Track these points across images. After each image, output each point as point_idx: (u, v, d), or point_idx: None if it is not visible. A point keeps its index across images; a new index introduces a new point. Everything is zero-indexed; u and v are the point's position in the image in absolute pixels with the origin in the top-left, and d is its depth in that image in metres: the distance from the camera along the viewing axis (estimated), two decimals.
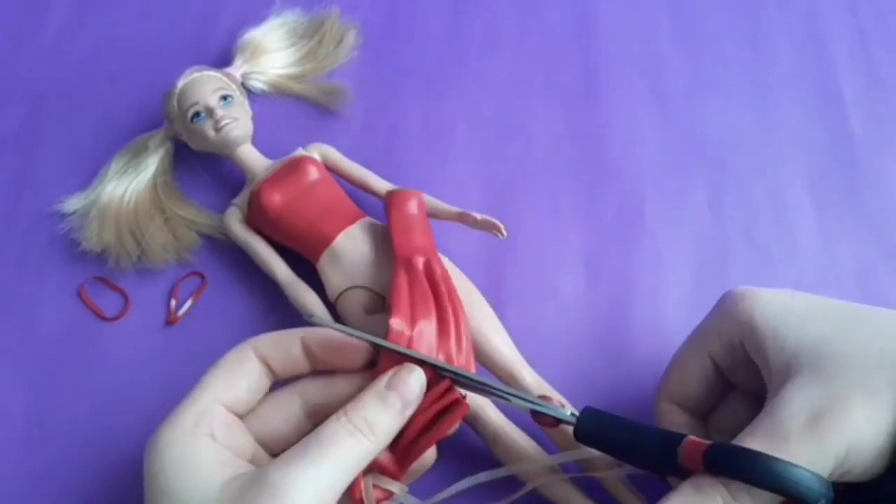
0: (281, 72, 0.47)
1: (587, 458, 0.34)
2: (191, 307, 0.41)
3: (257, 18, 0.48)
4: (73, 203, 0.43)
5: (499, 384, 0.31)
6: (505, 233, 0.38)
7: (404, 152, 0.45)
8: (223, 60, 0.46)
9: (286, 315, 0.40)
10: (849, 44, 0.49)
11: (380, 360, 0.31)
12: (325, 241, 0.39)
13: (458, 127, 0.46)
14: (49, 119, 0.47)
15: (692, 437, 0.28)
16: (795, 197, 0.44)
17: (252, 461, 0.30)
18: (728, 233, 0.43)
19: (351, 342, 0.31)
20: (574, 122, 0.46)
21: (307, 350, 0.31)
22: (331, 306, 0.39)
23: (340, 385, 0.31)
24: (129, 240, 0.41)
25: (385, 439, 0.29)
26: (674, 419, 0.33)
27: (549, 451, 0.35)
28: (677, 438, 0.29)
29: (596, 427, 0.30)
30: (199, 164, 0.44)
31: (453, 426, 0.30)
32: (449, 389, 0.30)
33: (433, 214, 0.40)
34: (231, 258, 0.42)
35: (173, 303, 0.41)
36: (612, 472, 0.34)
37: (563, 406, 0.31)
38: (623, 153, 0.45)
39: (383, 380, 0.29)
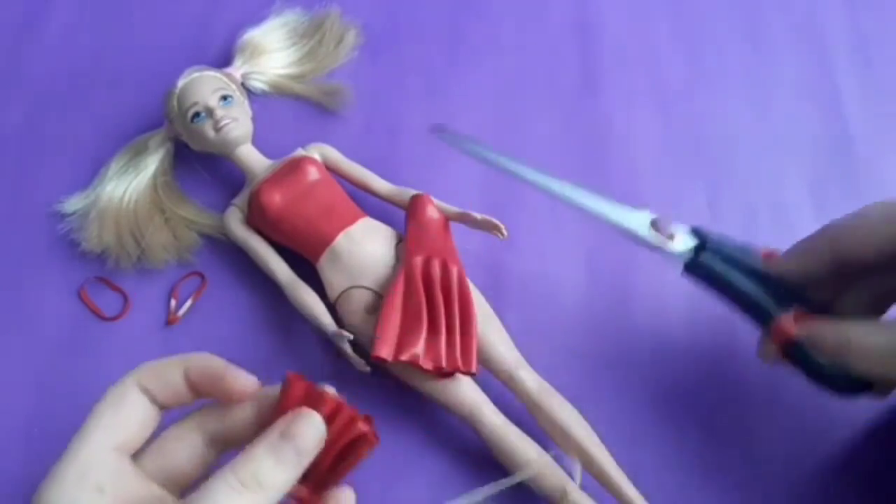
0: (281, 72, 0.47)
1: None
2: (191, 307, 0.41)
3: (257, 18, 0.48)
4: (73, 203, 0.43)
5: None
6: (505, 233, 0.38)
7: (404, 152, 0.45)
8: (223, 60, 0.46)
9: (286, 315, 0.40)
10: (849, 44, 0.49)
11: (285, 388, 0.28)
12: (325, 242, 0.39)
13: (458, 127, 0.46)
14: (49, 119, 0.47)
15: (786, 317, 0.32)
16: (795, 197, 0.44)
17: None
18: (728, 233, 0.43)
19: (232, 372, 0.28)
20: (574, 122, 0.46)
21: (188, 380, 0.28)
22: (331, 307, 0.39)
23: (237, 411, 0.29)
24: (129, 240, 0.41)
25: (278, 492, 0.26)
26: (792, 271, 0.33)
27: (549, 451, 0.35)
28: (784, 305, 0.32)
29: (711, 264, 0.33)
30: (199, 164, 0.44)
31: (360, 460, 0.28)
32: (352, 421, 0.27)
33: None
34: (231, 258, 0.42)
35: (173, 303, 0.41)
36: (613, 475, 0.34)
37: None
38: (623, 153, 0.45)
39: (276, 430, 0.26)
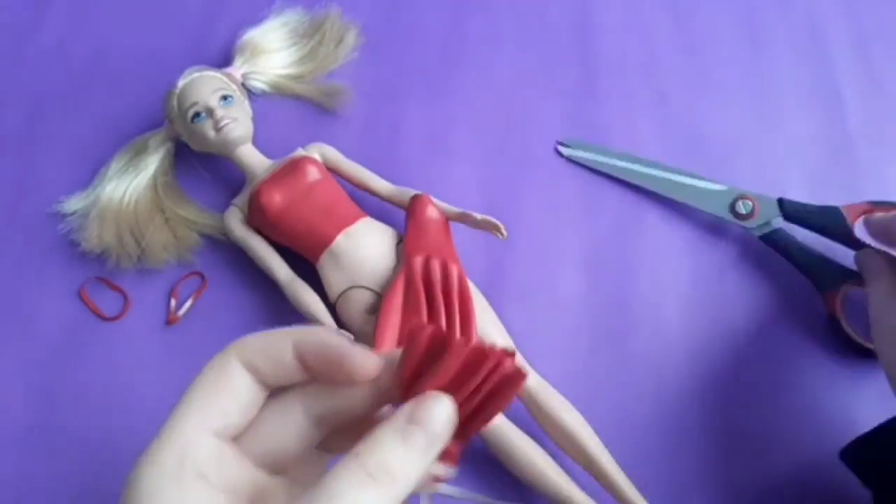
0: (281, 72, 0.47)
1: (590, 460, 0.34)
2: (191, 307, 0.41)
3: (257, 18, 0.48)
4: (74, 203, 0.43)
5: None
6: (505, 233, 0.38)
7: (404, 152, 0.45)
8: (223, 60, 0.46)
9: (286, 315, 0.40)
10: (849, 44, 0.49)
11: (400, 372, 0.25)
12: (325, 242, 0.39)
13: (458, 127, 0.46)
14: (49, 119, 0.47)
15: (833, 294, 0.38)
16: (795, 197, 0.44)
17: (254, 493, 0.25)
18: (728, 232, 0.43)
19: (354, 354, 0.24)
20: (574, 122, 0.46)
21: (301, 358, 0.25)
22: (331, 307, 0.39)
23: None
24: (130, 240, 0.41)
25: (410, 484, 0.23)
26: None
27: (549, 451, 0.35)
28: (844, 279, 0.39)
29: (783, 238, 0.41)
30: (199, 164, 0.44)
31: (509, 400, 0.25)
32: (498, 364, 0.24)
33: None
34: (231, 258, 0.42)
35: (173, 303, 0.41)
36: (613, 474, 0.34)
37: None
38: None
39: (403, 413, 0.23)
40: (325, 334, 0.25)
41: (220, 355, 0.25)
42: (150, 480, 0.22)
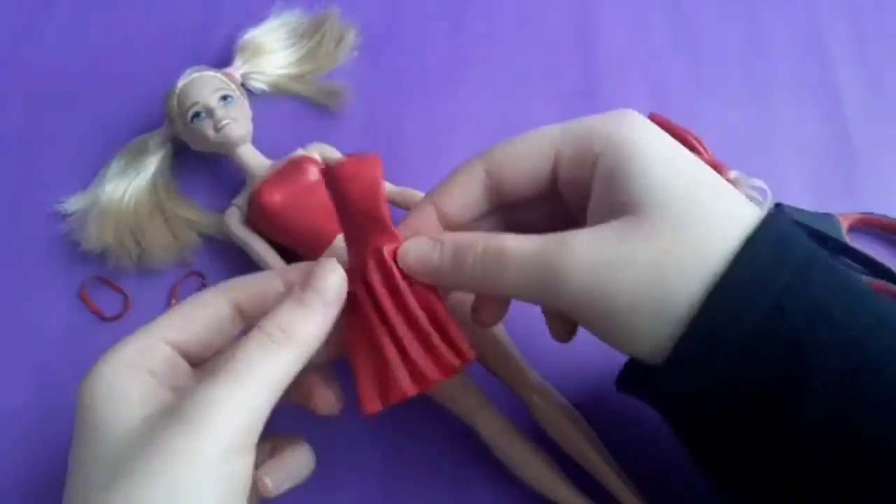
0: (281, 72, 0.47)
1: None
2: None
3: (257, 18, 0.48)
4: (74, 203, 0.43)
5: None
6: None
7: (404, 152, 0.45)
8: (223, 60, 0.46)
9: None
10: (848, 45, 0.49)
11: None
12: (325, 242, 0.39)
13: (458, 127, 0.46)
14: (49, 119, 0.47)
15: None
16: (795, 197, 0.44)
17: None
18: None
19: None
20: None
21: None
22: None
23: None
24: (130, 240, 0.42)
25: (309, 344, 0.26)
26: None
27: (550, 452, 0.35)
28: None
29: None
30: (199, 164, 0.44)
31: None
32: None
33: None
34: (231, 258, 0.42)
35: (173, 303, 0.41)
36: (614, 476, 0.34)
37: None
38: None
39: (297, 284, 0.27)
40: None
41: (212, 289, 0.28)
42: (106, 367, 0.26)
